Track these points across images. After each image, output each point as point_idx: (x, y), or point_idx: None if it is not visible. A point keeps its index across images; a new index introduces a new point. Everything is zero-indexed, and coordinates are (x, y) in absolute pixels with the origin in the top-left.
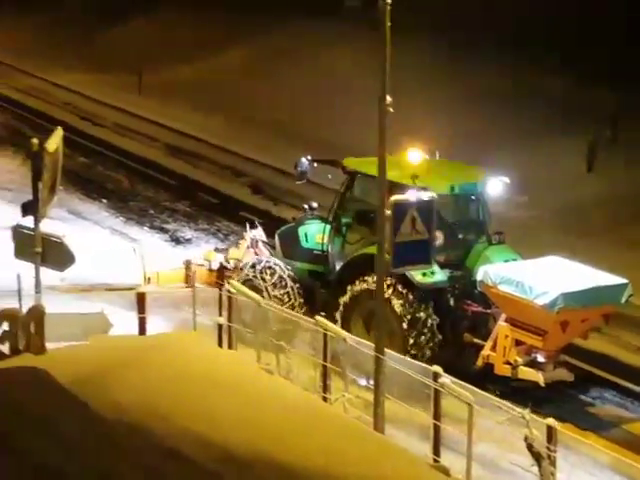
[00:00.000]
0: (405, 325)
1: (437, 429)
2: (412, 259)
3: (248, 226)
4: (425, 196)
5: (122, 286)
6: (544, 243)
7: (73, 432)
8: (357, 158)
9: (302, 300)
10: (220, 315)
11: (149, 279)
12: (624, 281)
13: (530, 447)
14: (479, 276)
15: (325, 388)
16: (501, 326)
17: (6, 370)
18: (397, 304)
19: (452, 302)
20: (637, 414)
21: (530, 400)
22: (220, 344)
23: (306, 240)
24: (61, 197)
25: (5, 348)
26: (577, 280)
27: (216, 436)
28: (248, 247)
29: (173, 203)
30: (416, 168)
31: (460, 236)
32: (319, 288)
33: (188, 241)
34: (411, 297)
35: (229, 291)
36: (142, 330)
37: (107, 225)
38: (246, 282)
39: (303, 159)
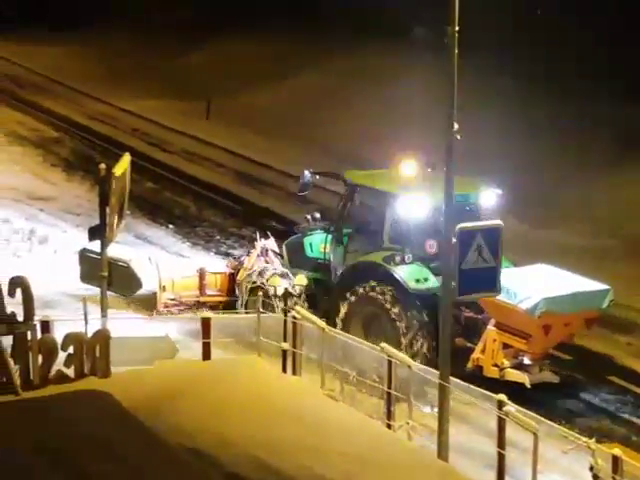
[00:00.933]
0: (400, 330)
1: (501, 458)
2: (479, 286)
3: (259, 236)
4: (492, 224)
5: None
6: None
7: (137, 456)
8: (358, 171)
9: (307, 307)
10: (284, 341)
11: (164, 287)
12: (606, 287)
13: (596, 477)
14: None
15: (389, 415)
16: (489, 330)
17: (71, 393)
18: (392, 309)
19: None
20: None
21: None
22: (284, 370)
23: (311, 250)
24: (128, 222)
25: (70, 371)
26: (559, 286)
27: (278, 462)
28: (258, 256)
29: (240, 229)
30: (411, 179)
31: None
32: (322, 295)
33: None
34: (406, 302)
35: (294, 317)
36: (207, 355)
37: (173, 250)
38: (254, 288)
39: (306, 171)
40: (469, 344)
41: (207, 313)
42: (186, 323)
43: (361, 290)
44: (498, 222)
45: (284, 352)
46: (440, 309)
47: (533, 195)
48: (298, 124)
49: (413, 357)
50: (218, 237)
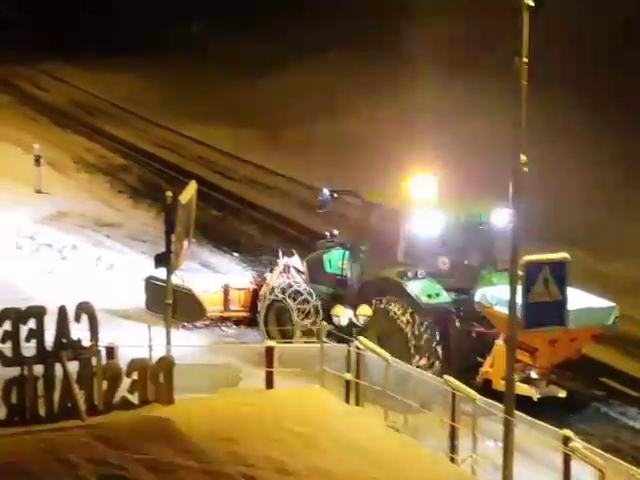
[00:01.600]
0: (412, 343)
1: None
2: (545, 320)
3: (281, 253)
4: (559, 257)
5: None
6: None
7: None
8: (374, 190)
9: (324, 322)
10: (348, 371)
11: None
12: (611, 304)
13: None
14: (477, 297)
15: (453, 448)
16: (498, 345)
17: (135, 420)
18: (405, 323)
19: (458, 323)
20: None
21: None
22: (347, 400)
23: (329, 266)
24: (193, 249)
25: (134, 398)
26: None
27: None
28: (281, 272)
29: (304, 257)
30: (424, 197)
31: (466, 262)
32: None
33: None
34: (417, 317)
35: (357, 347)
36: (269, 384)
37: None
38: (274, 303)
39: (324, 190)
40: (480, 359)
41: (271, 342)
42: (249, 351)
43: (375, 304)
44: (565, 255)
45: (347, 382)
46: (508, 345)
47: (599, 227)
48: (364, 153)
49: (423, 368)
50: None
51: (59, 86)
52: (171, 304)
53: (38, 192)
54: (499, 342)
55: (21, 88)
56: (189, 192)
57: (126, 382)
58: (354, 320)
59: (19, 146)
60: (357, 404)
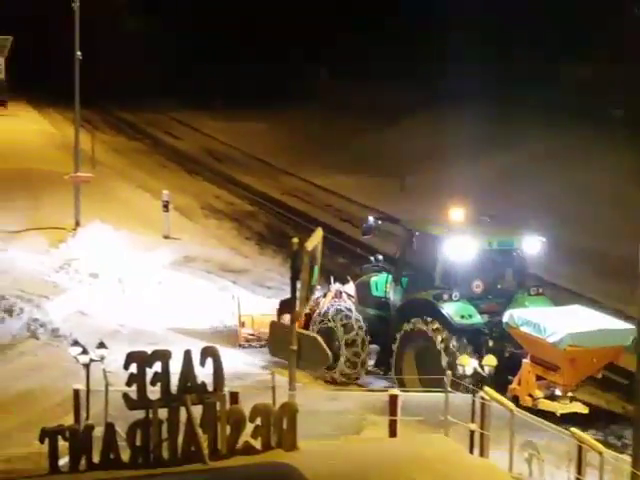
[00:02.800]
0: (445, 362)
1: None
2: None
3: (332, 279)
4: None
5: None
6: None
7: None
8: (416, 220)
9: (369, 342)
10: (472, 421)
11: (244, 323)
12: (630, 326)
13: None
14: (505, 318)
15: None
16: (525, 363)
17: (258, 465)
18: (439, 342)
19: (491, 343)
20: None
21: None
22: (471, 450)
23: (376, 289)
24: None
25: (257, 443)
26: (585, 323)
27: None
28: (333, 297)
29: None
30: (460, 224)
31: (499, 287)
32: (383, 331)
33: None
34: (451, 337)
35: (482, 397)
36: (393, 432)
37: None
38: (322, 324)
39: (370, 217)
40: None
41: (394, 390)
42: (373, 399)
43: (412, 324)
44: None
45: (471, 432)
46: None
47: None
48: (490, 201)
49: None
50: None
51: (191, 134)
52: (296, 350)
53: (166, 237)
54: (525, 361)
55: (154, 135)
56: (315, 239)
57: (249, 427)
58: (479, 370)
59: (149, 192)
60: (481, 454)
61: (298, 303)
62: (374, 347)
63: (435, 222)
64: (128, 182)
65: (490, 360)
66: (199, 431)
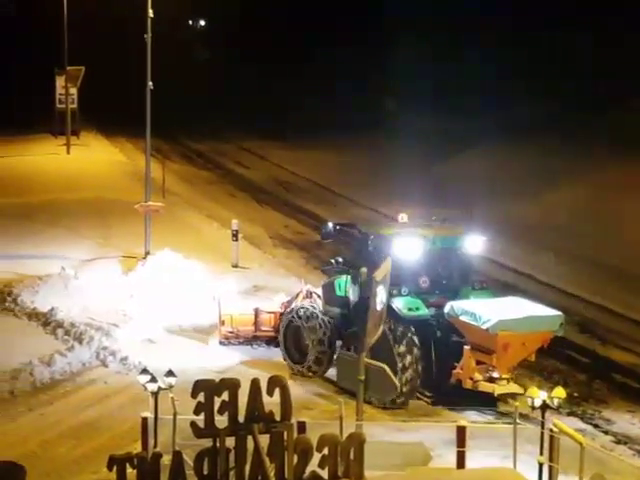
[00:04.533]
0: (396, 352)
1: None
2: None
3: (303, 281)
4: None
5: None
6: None
7: None
8: (370, 223)
9: (335, 339)
10: (541, 453)
11: (223, 321)
12: (558, 312)
13: None
14: (446, 309)
15: None
16: (465, 350)
17: None
18: (391, 335)
19: (439, 334)
20: None
21: None
22: None
23: (339, 289)
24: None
25: (324, 473)
26: (516, 310)
27: None
28: (304, 297)
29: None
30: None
31: (445, 282)
32: (345, 328)
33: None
34: (400, 329)
35: (551, 430)
36: (461, 464)
37: None
38: (288, 324)
39: (329, 223)
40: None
41: (462, 422)
42: (439, 430)
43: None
44: None
45: (540, 465)
46: None
47: None
48: (553, 234)
49: (404, 371)
50: None
51: (260, 163)
52: (363, 380)
53: (235, 267)
54: (466, 347)
55: (224, 165)
56: (384, 269)
57: (316, 457)
58: (548, 402)
59: (219, 221)
60: None
61: (365, 334)
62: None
63: (386, 224)
64: (198, 211)
65: (559, 392)
66: (266, 460)
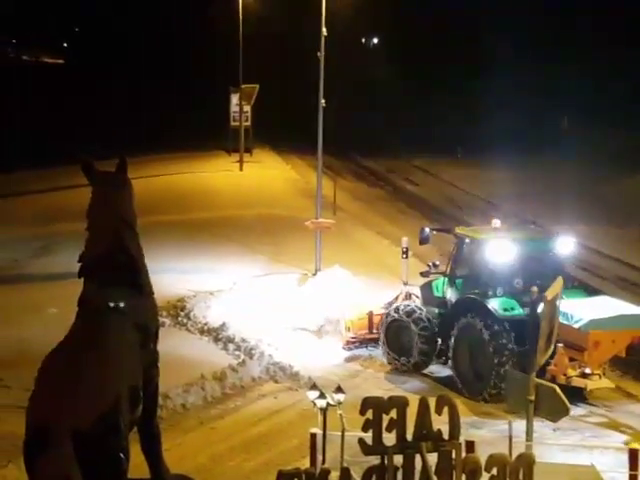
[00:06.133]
0: (491, 349)
1: None
2: None
3: (403, 284)
4: None
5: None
6: None
7: None
8: (466, 227)
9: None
10: None
11: (348, 328)
12: None
13: None
14: (539, 310)
15: None
16: (559, 347)
17: None
18: (486, 334)
19: None
20: None
21: None
22: None
23: (437, 290)
24: None
25: None
26: (607, 310)
27: None
28: (404, 298)
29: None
30: (501, 232)
31: (539, 282)
32: (443, 327)
33: None
34: (496, 328)
35: None
36: None
37: None
38: (390, 323)
39: (426, 228)
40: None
41: (635, 444)
42: (612, 452)
43: (463, 319)
44: None
45: None
46: None
47: None
48: None
49: (500, 367)
50: None
51: (430, 181)
52: (533, 401)
53: (406, 284)
54: (559, 345)
55: (394, 182)
56: (556, 288)
57: (485, 477)
58: None
59: (388, 239)
60: None
61: (537, 353)
62: None
63: (480, 229)
64: (368, 228)
65: None
66: (434, 479)
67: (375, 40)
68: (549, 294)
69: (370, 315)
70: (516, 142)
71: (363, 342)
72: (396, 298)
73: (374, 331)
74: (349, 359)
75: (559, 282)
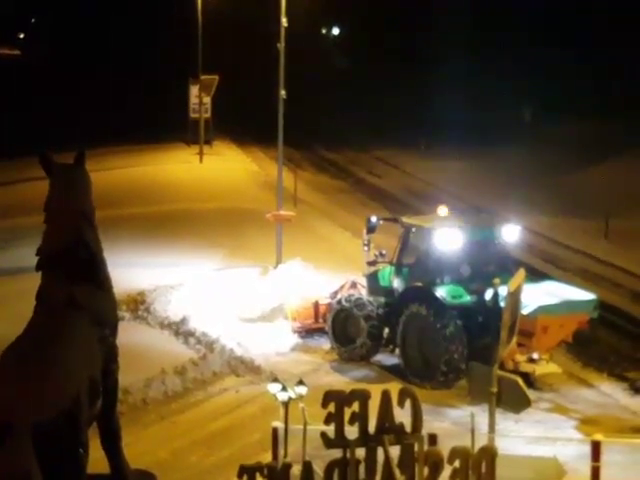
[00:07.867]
0: (440, 337)
1: None
2: None
3: (349, 277)
4: None
5: None
6: None
7: None
8: (412, 216)
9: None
10: None
11: (294, 318)
12: (593, 296)
13: None
14: (486, 296)
15: None
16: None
17: None
18: (434, 321)
19: (480, 319)
20: None
21: None
22: None
23: (383, 279)
24: None
25: None
26: (554, 295)
27: None
28: (349, 287)
29: (636, 352)
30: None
31: (484, 270)
32: (389, 316)
33: None
34: (445, 315)
35: None
36: (595, 479)
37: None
38: (342, 311)
39: (373, 217)
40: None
41: (598, 436)
42: (574, 444)
43: (412, 308)
44: None
45: None
46: None
47: None
48: None
49: (449, 360)
50: (612, 359)
51: (392, 172)
52: (495, 392)
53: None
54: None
55: (356, 174)
56: (517, 280)
57: (447, 469)
58: None
59: (350, 230)
60: None
61: (500, 345)
62: None
63: (426, 217)
64: (329, 220)
65: None
66: (397, 472)
67: (336, 31)
68: (511, 286)
69: (316, 304)
70: (483, 134)
71: (309, 331)
72: (341, 287)
73: (320, 320)
74: (311, 351)
75: (521, 273)
